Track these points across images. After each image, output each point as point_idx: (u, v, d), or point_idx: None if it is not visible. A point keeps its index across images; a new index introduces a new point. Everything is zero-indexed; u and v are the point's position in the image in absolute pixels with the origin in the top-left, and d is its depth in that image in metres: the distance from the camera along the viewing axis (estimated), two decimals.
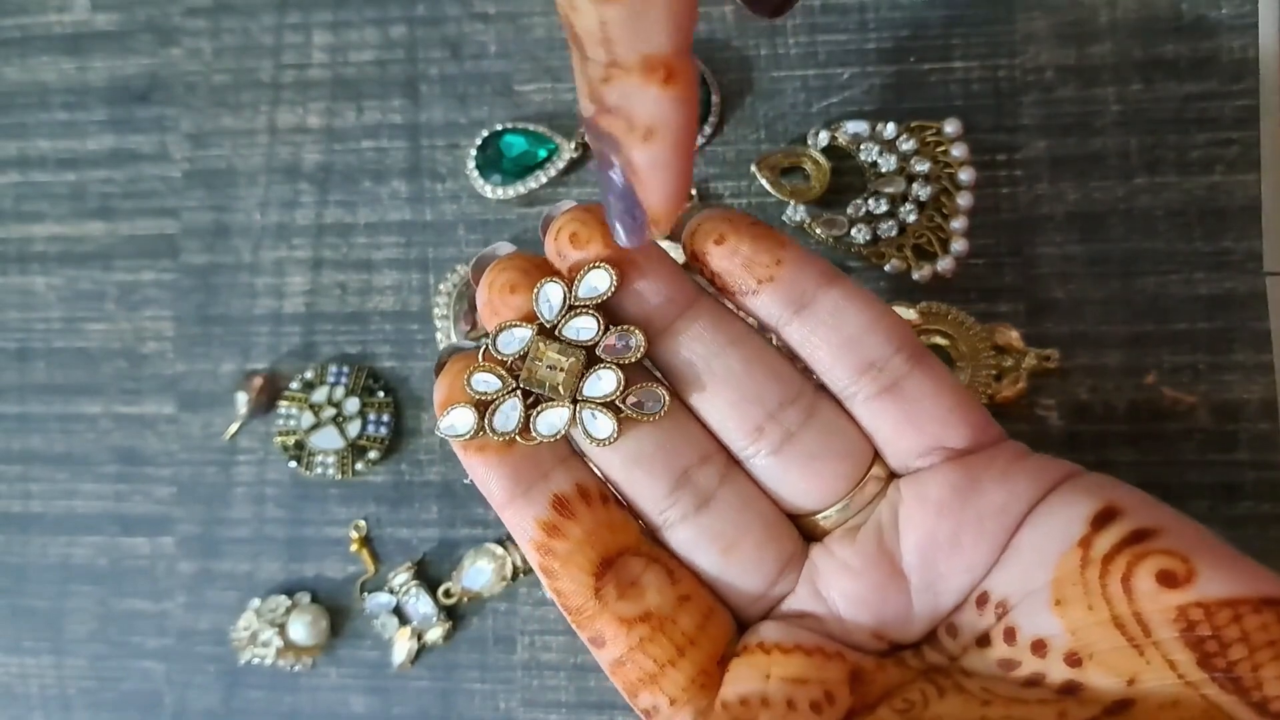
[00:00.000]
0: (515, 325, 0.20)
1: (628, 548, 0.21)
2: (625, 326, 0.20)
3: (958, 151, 0.31)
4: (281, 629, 0.33)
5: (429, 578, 0.33)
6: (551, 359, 0.20)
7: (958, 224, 0.31)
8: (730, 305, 0.22)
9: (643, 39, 0.15)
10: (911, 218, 0.31)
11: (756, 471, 0.21)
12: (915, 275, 0.31)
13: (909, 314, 0.31)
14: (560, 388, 0.20)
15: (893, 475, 0.22)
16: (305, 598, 0.34)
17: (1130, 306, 0.31)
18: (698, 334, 0.21)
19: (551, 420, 0.20)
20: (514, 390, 0.20)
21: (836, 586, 0.21)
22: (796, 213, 0.32)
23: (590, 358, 0.20)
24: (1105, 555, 0.19)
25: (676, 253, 0.22)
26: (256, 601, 0.34)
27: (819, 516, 0.21)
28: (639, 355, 0.20)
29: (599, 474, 0.21)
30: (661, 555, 0.21)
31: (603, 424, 0.20)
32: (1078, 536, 0.19)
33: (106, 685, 0.35)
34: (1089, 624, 0.19)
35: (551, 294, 0.20)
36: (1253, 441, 0.30)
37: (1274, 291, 0.30)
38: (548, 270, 0.21)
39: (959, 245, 0.31)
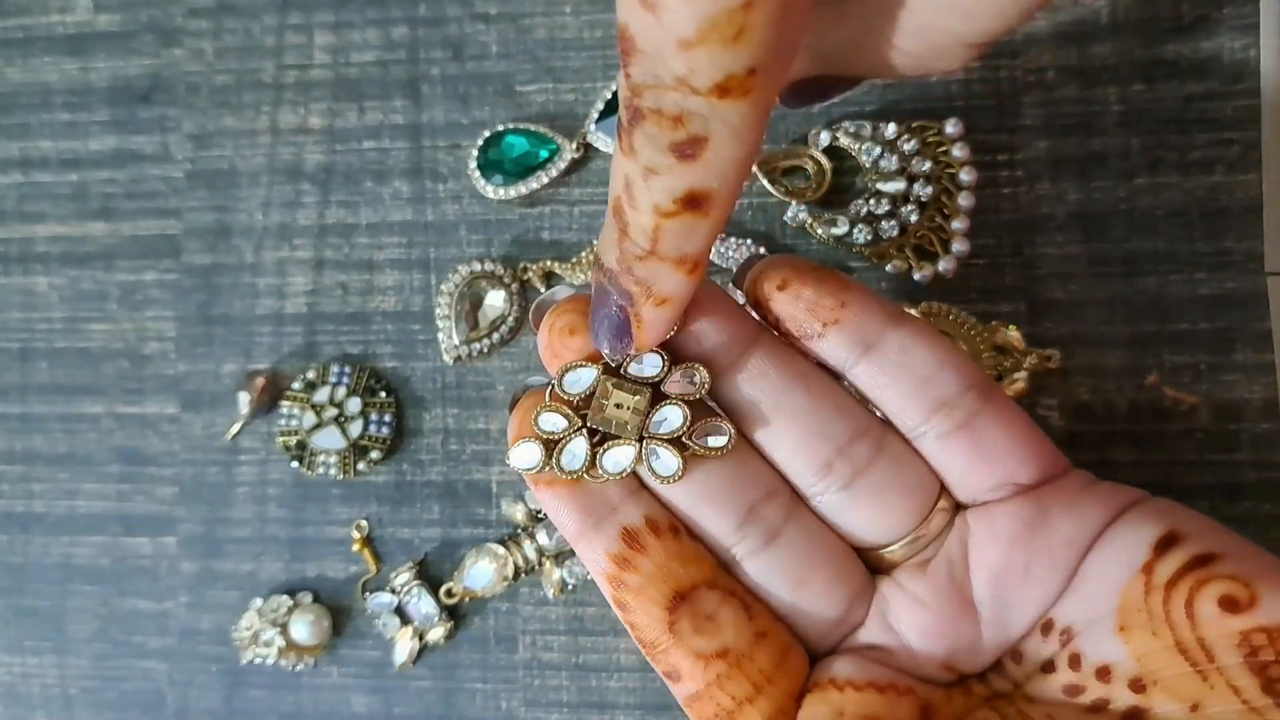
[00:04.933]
0: (580, 365, 0.21)
1: (702, 581, 0.21)
2: (689, 364, 0.20)
3: (959, 152, 0.31)
4: (283, 629, 0.33)
5: (430, 577, 0.33)
6: (618, 397, 0.20)
7: (959, 224, 0.31)
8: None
9: (686, 245, 0.17)
10: (913, 218, 0.31)
11: (824, 507, 0.21)
12: (916, 275, 0.31)
13: (911, 314, 0.31)
14: (627, 425, 0.20)
15: (958, 507, 0.22)
16: (307, 597, 0.34)
17: (1131, 306, 0.31)
18: (762, 371, 0.21)
19: (618, 458, 0.20)
20: (579, 430, 0.21)
21: (907, 619, 0.21)
22: (798, 213, 0.32)
23: (656, 395, 0.21)
24: (1168, 581, 0.19)
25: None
26: (258, 601, 0.34)
27: (885, 550, 0.22)
28: (704, 391, 0.20)
29: (669, 509, 0.21)
30: (738, 589, 0.21)
31: (668, 461, 0.20)
32: (1141, 563, 0.19)
33: (108, 685, 0.35)
34: (1153, 650, 0.19)
35: None
36: (1254, 442, 0.30)
37: (1275, 291, 0.30)
38: None
39: (960, 245, 0.31)
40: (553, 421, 0.21)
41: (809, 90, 0.22)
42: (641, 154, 0.16)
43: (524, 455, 0.21)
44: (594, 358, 0.21)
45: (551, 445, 0.21)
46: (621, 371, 0.21)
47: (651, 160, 0.16)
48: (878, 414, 0.21)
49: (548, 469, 0.20)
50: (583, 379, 0.21)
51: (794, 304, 0.21)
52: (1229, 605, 0.18)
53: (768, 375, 0.21)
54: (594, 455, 0.20)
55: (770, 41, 0.14)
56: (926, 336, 0.21)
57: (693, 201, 0.16)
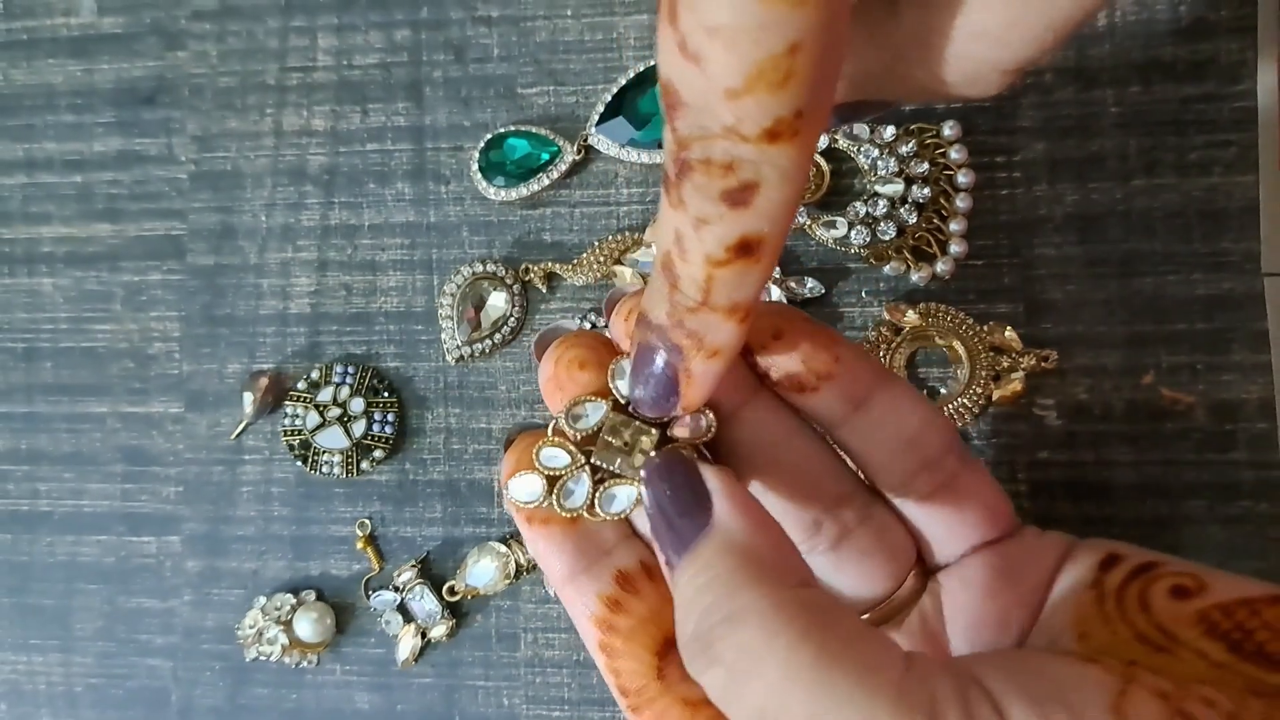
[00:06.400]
0: (589, 400, 0.20)
1: None
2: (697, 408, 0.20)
3: (956, 154, 0.31)
4: (287, 626, 0.33)
5: (433, 575, 0.34)
6: (626, 436, 0.20)
7: (956, 226, 0.31)
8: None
9: (738, 293, 0.17)
10: (910, 219, 0.31)
11: (811, 566, 0.21)
12: (914, 277, 0.31)
13: (909, 316, 0.31)
14: (633, 465, 0.20)
15: (927, 574, 0.22)
16: (310, 595, 0.34)
17: (1128, 307, 0.31)
18: (762, 422, 0.21)
19: (619, 497, 0.20)
20: (583, 466, 0.20)
21: None
22: (796, 215, 0.32)
23: (663, 438, 0.20)
24: (1118, 586, 0.19)
25: None
26: (262, 599, 0.34)
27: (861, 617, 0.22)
28: (711, 434, 0.20)
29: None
30: None
31: None
32: (1090, 580, 0.20)
33: (113, 683, 0.35)
34: (1114, 645, 0.19)
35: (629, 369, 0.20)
36: (1250, 441, 0.30)
37: (1271, 292, 0.30)
38: (614, 349, 0.21)
39: (957, 247, 0.31)
40: (555, 457, 0.20)
41: (839, 111, 0.22)
42: (691, 205, 0.16)
43: (525, 488, 0.20)
44: (602, 393, 0.20)
45: (553, 481, 0.20)
46: (631, 409, 0.20)
47: (702, 210, 0.16)
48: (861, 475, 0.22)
49: (546, 504, 0.20)
50: (590, 415, 0.20)
51: (790, 356, 0.20)
52: (1180, 593, 0.19)
53: (767, 426, 0.21)
54: (594, 495, 0.20)
55: (815, 82, 0.14)
56: (912, 397, 0.21)
57: (745, 248, 0.16)
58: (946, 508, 0.21)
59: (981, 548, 0.21)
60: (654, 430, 0.20)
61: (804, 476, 0.21)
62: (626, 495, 0.20)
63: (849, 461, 0.22)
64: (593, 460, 0.20)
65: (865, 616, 0.22)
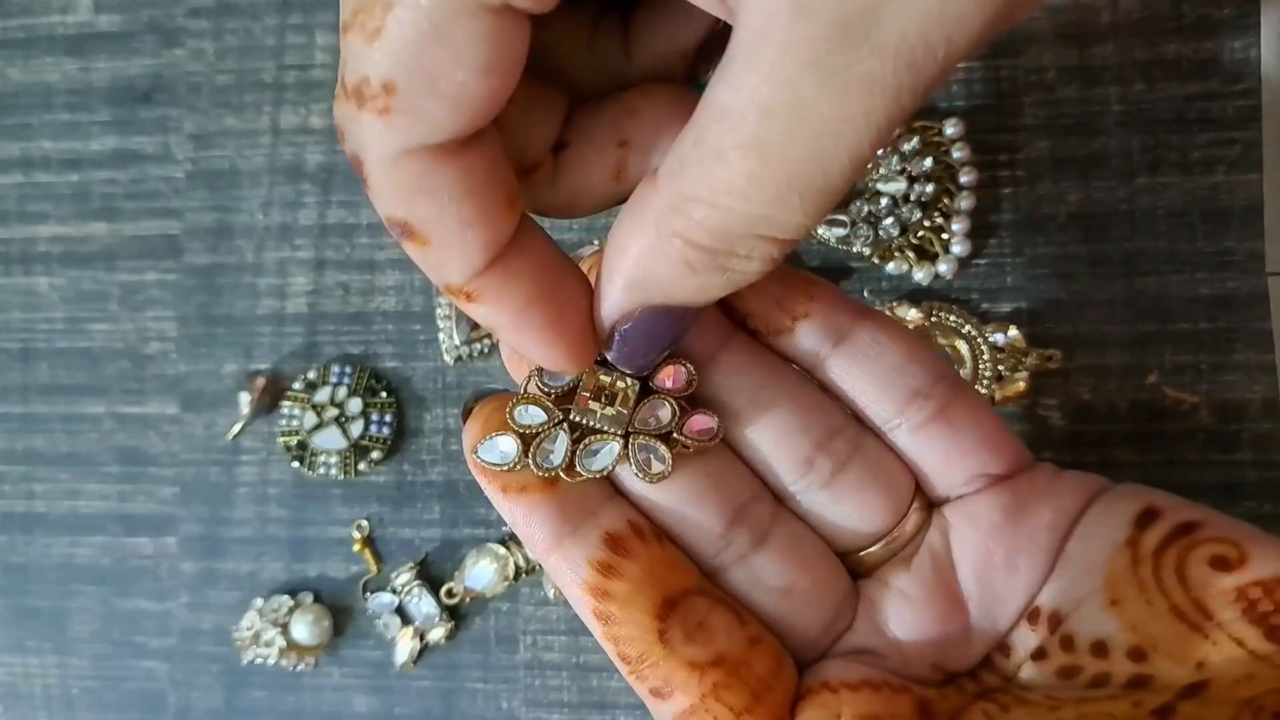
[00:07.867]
0: None
1: (689, 588, 0.20)
2: (676, 358, 0.19)
3: (959, 153, 0.31)
4: (284, 629, 0.33)
5: (431, 577, 0.34)
6: (606, 390, 0.19)
7: (959, 225, 0.31)
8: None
9: (441, 278, 0.18)
10: (913, 218, 0.31)
11: (806, 506, 0.21)
12: (917, 276, 0.31)
13: (912, 314, 0.31)
14: (612, 420, 0.19)
15: (931, 506, 0.21)
16: (308, 597, 0.34)
17: (1132, 306, 0.31)
18: (740, 367, 0.20)
19: (601, 454, 0.19)
20: (560, 423, 0.19)
21: (896, 619, 0.21)
22: None
23: (643, 390, 0.20)
24: (1155, 550, 0.19)
25: None
26: (259, 601, 0.34)
27: (863, 554, 0.21)
28: (692, 387, 0.20)
29: (649, 515, 0.21)
30: (726, 596, 0.20)
31: (660, 457, 0.19)
32: (1124, 538, 0.19)
33: (110, 685, 0.35)
34: (1148, 617, 0.19)
35: None
36: (1255, 441, 0.30)
37: (1276, 291, 0.30)
38: None
39: (960, 246, 0.31)
40: (531, 415, 0.19)
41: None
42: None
43: (497, 450, 0.19)
44: None
45: (528, 441, 0.19)
46: (607, 365, 0.19)
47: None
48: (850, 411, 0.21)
49: (521, 466, 0.19)
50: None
51: (763, 299, 0.20)
52: (1220, 565, 0.18)
53: (745, 370, 0.20)
54: (573, 453, 0.19)
55: (411, 63, 0.15)
56: (894, 329, 0.21)
57: (406, 233, 0.17)
58: (940, 439, 0.20)
59: (989, 486, 0.21)
60: (635, 382, 0.19)
61: (792, 414, 0.20)
62: (609, 451, 0.19)
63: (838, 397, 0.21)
64: (571, 417, 0.19)
65: (865, 554, 0.21)
